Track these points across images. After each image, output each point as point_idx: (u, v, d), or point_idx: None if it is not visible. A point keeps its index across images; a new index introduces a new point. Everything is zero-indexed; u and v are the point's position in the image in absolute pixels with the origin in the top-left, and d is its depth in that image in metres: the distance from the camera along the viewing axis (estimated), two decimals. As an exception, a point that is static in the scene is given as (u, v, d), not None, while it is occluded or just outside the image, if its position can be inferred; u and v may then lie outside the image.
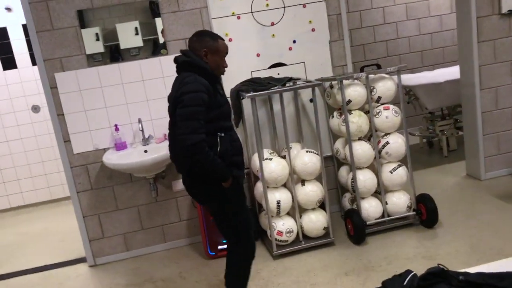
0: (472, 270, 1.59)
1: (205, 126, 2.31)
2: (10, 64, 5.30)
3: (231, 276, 2.70)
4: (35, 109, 5.43)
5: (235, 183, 2.51)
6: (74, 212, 3.74)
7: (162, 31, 3.59)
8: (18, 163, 5.50)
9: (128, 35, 3.58)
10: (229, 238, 2.66)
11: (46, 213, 5.40)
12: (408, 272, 1.59)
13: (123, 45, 3.58)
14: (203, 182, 2.47)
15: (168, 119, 2.53)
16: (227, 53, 2.55)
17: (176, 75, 2.53)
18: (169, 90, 2.55)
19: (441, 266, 1.51)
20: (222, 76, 2.72)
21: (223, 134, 2.41)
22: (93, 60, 3.54)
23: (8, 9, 5.20)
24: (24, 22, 5.04)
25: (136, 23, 3.56)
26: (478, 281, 1.42)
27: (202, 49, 2.45)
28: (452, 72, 5.09)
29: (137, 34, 3.58)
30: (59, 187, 5.64)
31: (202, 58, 2.44)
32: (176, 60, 2.50)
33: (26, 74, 5.33)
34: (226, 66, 2.56)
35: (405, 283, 1.50)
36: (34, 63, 5.29)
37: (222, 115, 2.43)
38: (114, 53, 3.59)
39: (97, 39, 3.53)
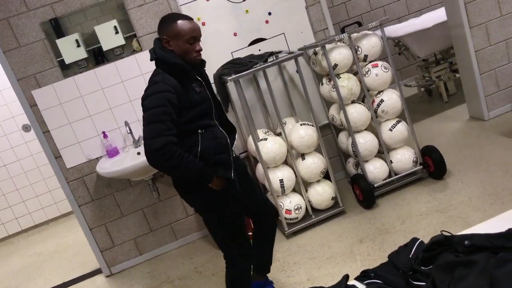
0: (481, 226, 1.50)
1: (182, 127, 2.12)
2: (-10, 88, 5.19)
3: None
4: (26, 128, 5.34)
5: (228, 186, 2.27)
6: (80, 226, 3.69)
7: (133, 28, 3.47)
8: (20, 185, 5.45)
9: (109, 36, 3.45)
10: (227, 252, 2.45)
11: (57, 229, 5.37)
12: (413, 240, 1.50)
13: (105, 47, 3.46)
14: (187, 192, 2.30)
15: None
16: (195, 35, 2.17)
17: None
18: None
19: (444, 233, 1.42)
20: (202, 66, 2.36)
21: (203, 131, 2.19)
22: (79, 67, 3.43)
23: (-22, 32, 5.06)
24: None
25: (114, 22, 3.43)
26: (485, 244, 1.33)
27: (162, 37, 2.17)
28: (439, 15, 4.90)
29: (117, 32, 3.46)
30: (65, 202, 5.57)
31: (166, 48, 2.17)
32: (150, 57, 2.26)
33: (8, 95, 5.22)
34: (199, 50, 2.19)
35: (411, 255, 1.42)
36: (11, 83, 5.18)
37: (201, 114, 2.19)
38: (98, 56, 3.47)
39: (78, 45, 3.42)
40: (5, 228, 5.52)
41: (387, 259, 1.57)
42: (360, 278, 1.53)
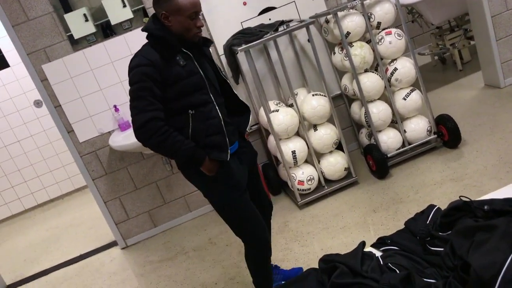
0: (498, 193, 1.47)
1: (170, 104, 2.01)
2: (1, 63, 5.19)
3: (255, 277, 2.41)
4: (38, 104, 5.36)
5: (224, 169, 2.12)
6: (95, 199, 3.73)
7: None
8: (34, 160, 5.50)
9: (116, 9, 3.42)
10: (238, 235, 2.33)
11: (72, 203, 5.45)
12: (430, 207, 1.49)
13: (113, 21, 3.43)
14: (184, 171, 2.19)
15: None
16: (197, 11, 2.01)
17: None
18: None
19: (463, 199, 1.39)
20: (203, 38, 2.17)
21: (193, 112, 2.04)
22: (87, 42, 3.41)
23: (-14, 8, 5.04)
24: (4, 18, 4.92)
25: (121, -5, 3.40)
26: (505, 208, 1.31)
27: (161, 12, 2.00)
28: (454, -20, 4.77)
29: (125, 6, 3.42)
30: (79, 176, 5.62)
31: (163, 23, 2.02)
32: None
33: (19, 71, 5.22)
34: (201, 26, 2.05)
35: (428, 221, 1.40)
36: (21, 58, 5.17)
37: (187, 88, 2.02)
38: (106, 30, 3.45)
39: (86, 20, 3.39)
40: (22, 203, 5.60)
41: (403, 227, 1.56)
42: (377, 245, 1.53)
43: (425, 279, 1.23)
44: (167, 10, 1.98)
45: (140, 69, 1.95)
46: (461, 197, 1.40)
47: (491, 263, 1.10)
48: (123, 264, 3.63)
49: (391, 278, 1.22)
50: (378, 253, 1.48)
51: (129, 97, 2.01)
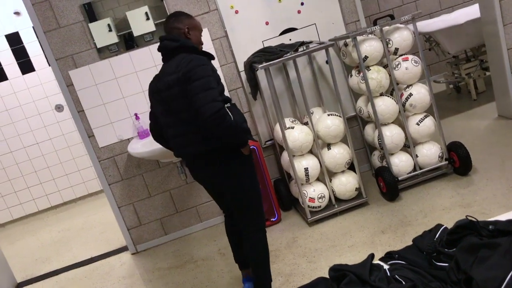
0: (504, 217, 1.54)
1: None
2: (27, 67, 5.38)
3: (262, 266, 2.59)
4: (59, 108, 5.52)
5: (252, 158, 2.52)
6: (109, 204, 3.82)
7: (169, 13, 3.56)
8: (51, 163, 5.64)
9: (140, 21, 3.55)
10: (253, 222, 2.56)
11: (85, 207, 5.55)
12: (438, 226, 1.55)
13: (136, 32, 3.57)
14: (225, 162, 2.42)
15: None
16: (202, 30, 2.59)
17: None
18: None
19: (469, 218, 1.46)
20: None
21: (229, 105, 2.36)
22: (109, 51, 3.55)
23: (17, 13, 5.24)
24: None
25: (145, 8, 3.53)
26: (509, 229, 1.37)
27: (184, 27, 2.44)
28: (472, 12, 4.86)
29: (148, 19, 3.55)
30: (93, 181, 5.78)
31: (186, 36, 2.44)
32: (165, 47, 2.41)
33: (44, 75, 5.41)
34: (203, 44, 2.59)
35: (435, 239, 1.47)
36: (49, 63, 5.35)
37: (223, 89, 2.37)
38: (129, 41, 3.58)
39: (110, 30, 3.53)
40: (36, 204, 5.72)
41: (411, 243, 1.62)
42: (384, 258, 1.59)
43: (430, 291, 1.29)
44: (188, 26, 2.46)
45: (208, 67, 2.28)
46: (467, 217, 1.47)
47: (493, 277, 1.16)
48: (132, 269, 3.70)
49: (397, 288, 1.29)
50: (385, 266, 1.54)
51: (195, 90, 2.23)
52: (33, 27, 5.19)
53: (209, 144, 2.36)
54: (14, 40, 5.30)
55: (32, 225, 5.49)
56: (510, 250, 1.24)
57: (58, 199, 5.77)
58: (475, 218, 1.46)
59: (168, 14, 3.55)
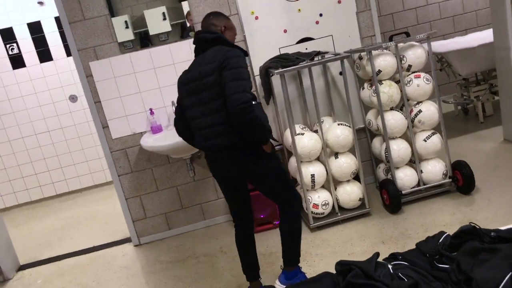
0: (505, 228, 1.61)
1: None
2: (46, 56, 5.49)
3: (295, 242, 2.73)
4: (73, 98, 5.62)
5: (274, 150, 2.64)
6: (117, 194, 3.90)
7: (187, 15, 3.65)
8: (60, 151, 5.74)
9: (156, 21, 3.65)
10: (285, 201, 2.67)
11: (90, 198, 5.64)
12: (442, 233, 1.62)
13: (152, 31, 3.66)
14: (252, 147, 2.49)
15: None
16: (236, 33, 2.77)
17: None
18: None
19: (473, 224, 1.53)
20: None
21: (255, 102, 2.39)
22: (124, 48, 3.65)
23: (41, 3, 5.36)
24: (56, 15, 5.25)
25: (163, 8, 3.63)
26: (510, 236, 1.44)
27: (221, 25, 2.59)
28: (485, 36, 4.95)
29: (164, 19, 3.65)
30: (100, 173, 5.86)
31: (222, 33, 2.57)
32: (203, 38, 2.51)
33: (61, 65, 5.52)
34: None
35: (439, 242, 1.54)
36: (68, 54, 5.47)
37: (251, 85, 2.43)
38: (144, 40, 3.68)
39: (127, 27, 3.63)
40: (42, 191, 5.81)
41: (415, 247, 1.70)
42: (388, 259, 1.67)
43: (430, 289, 1.37)
44: (225, 25, 2.62)
45: (243, 58, 2.40)
46: (471, 223, 1.54)
47: (492, 278, 1.24)
48: (134, 260, 3.77)
49: (400, 284, 1.36)
50: (389, 266, 1.62)
51: (229, 77, 2.31)
52: (55, 17, 5.34)
53: (235, 138, 2.42)
54: (35, 29, 5.41)
55: (37, 211, 5.57)
56: (510, 254, 1.31)
57: (64, 188, 5.85)
58: (477, 225, 1.54)
59: (185, 14, 3.66)
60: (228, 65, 2.32)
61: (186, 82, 2.54)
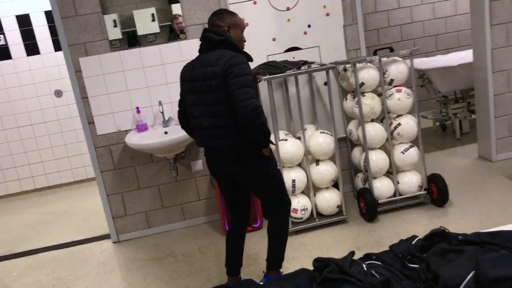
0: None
1: None
2: (33, 50, 5.49)
3: (282, 246, 2.79)
4: (58, 93, 5.62)
5: (272, 154, 2.73)
6: (99, 190, 3.93)
7: (173, 18, 3.70)
8: (42, 145, 5.72)
9: (145, 22, 3.70)
10: (279, 204, 2.73)
11: (70, 193, 5.62)
12: (414, 236, 1.72)
13: (140, 32, 3.71)
14: (256, 155, 2.58)
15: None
16: (245, 27, 2.69)
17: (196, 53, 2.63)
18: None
19: (442, 228, 1.64)
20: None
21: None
22: (112, 46, 3.69)
23: (31, -4, 5.36)
24: (46, 9, 5.27)
25: (152, 10, 3.68)
26: (475, 240, 1.55)
27: (225, 25, 2.55)
28: (466, 56, 5.15)
29: (153, 20, 3.70)
30: (81, 169, 5.86)
31: (226, 33, 2.54)
32: (210, 38, 2.51)
33: (48, 60, 5.52)
34: (245, 41, 2.71)
35: (411, 244, 1.64)
36: (56, 49, 5.48)
37: (256, 92, 2.50)
38: (132, 39, 3.72)
39: (115, 26, 3.67)
40: (20, 184, 5.78)
41: (388, 249, 1.79)
42: (363, 259, 1.76)
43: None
44: (229, 24, 2.57)
45: (248, 66, 2.43)
46: (441, 227, 1.64)
47: (457, 275, 1.33)
48: (112, 256, 3.80)
49: (372, 280, 1.44)
50: (363, 265, 1.70)
51: (237, 84, 2.35)
52: (46, 11, 5.34)
53: (237, 137, 2.48)
54: (24, 21, 5.41)
55: (14, 205, 5.53)
56: (473, 255, 1.42)
57: (43, 182, 5.83)
58: (447, 229, 1.64)
59: (172, 15, 3.71)
60: (233, 72, 2.36)
61: (189, 79, 2.55)
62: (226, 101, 2.42)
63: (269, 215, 2.80)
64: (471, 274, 1.33)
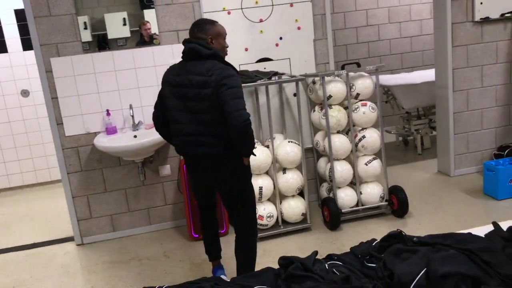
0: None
1: None
2: (1, 48, 5.39)
3: (253, 257, 2.86)
4: (25, 93, 5.53)
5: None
6: (64, 192, 3.89)
7: (141, 24, 3.74)
8: (5, 146, 5.59)
9: (116, 25, 3.71)
10: (249, 214, 2.81)
11: (32, 195, 5.52)
12: (373, 239, 1.82)
13: (110, 35, 3.72)
14: (236, 158, 2.64)
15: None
16: (226, 34, 2.69)
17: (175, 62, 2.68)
18: (160, 79, 2.72)
19: (399, 230, 1.74)
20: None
21: None
22: (84, 48, 3.70)
23: (1, -6, 5.29)
24: (16, 8, 5.20)
25: (124, 14, 3.70)
26: (428, 241, 1.66)
27: (208, 37, 2.56)
28: (429, 75, 5.36)
29: (125, 24, 3.72)
30: (45, 171, 5.76)
31: (210, 45, 2.56)
32: (198, 51, 2.52)
33: (16, 59, 5.43)
34: (228, 46, 2.72)
35: (370, 246, 1.74)
36: (25, 48, 5.40)
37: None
38: (102, 43, 3.73)
39: (85, 28, 3.67)
40: (-20, 184, 5.63)
41: (349, 250, 1.89)
42: (325, 259, 1.84)
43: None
44: (211, 35, 2.59)
45: (238, 78, 2.50)
46: (398, 229, 1.75)
47: (410, 272, 1.44)
48: (75, 259, 3.76)
49: (333, 277, 1.53)
50: (326, 264, 1.79)
51: (229, 96, 2.41)
52: (15, 10, 5.28)
53: (220, 147, 2.54)
54: (-8, 19, 5.32)
55: (-27, 205, 5.38)
56: (426, 255, 1.52)
57: (4, 183, 5.69)
58: (403, 231, 1.75)
59: (157, 24, 3.76)
60: (227, 84, 2.41)
61: (174, 84, 2.58)
62: (214, 110, 2.47)
63: (239, 227, 2.84)
64: (423, 271, 1.43)
